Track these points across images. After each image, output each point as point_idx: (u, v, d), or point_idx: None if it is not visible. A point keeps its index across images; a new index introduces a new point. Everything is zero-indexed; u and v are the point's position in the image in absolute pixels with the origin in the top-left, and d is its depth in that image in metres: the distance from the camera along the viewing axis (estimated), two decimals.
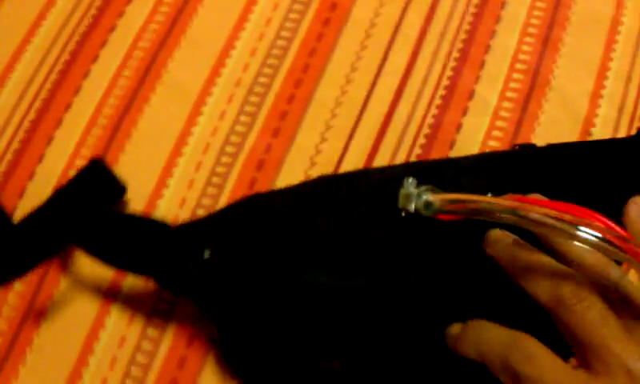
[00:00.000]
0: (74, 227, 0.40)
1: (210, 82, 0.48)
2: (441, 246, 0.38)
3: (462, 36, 0.49)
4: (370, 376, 0.38)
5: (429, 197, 0.35)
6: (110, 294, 0.44)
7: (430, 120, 0.47)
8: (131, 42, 0.50)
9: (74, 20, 0.50)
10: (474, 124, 0.46)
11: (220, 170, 0.46)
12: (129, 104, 0.48)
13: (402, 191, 0.36)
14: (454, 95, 0.47)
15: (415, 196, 0.35)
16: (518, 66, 0.48)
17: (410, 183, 0.36)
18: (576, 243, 0.29)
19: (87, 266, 0.44)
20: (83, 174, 0.44)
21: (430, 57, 0.48)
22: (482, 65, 0.48)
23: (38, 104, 0.48)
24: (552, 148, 0.40)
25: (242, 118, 0.47)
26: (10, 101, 0.48)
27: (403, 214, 0.36)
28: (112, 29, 0.50)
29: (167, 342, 0.43)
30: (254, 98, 0.48)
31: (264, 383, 0.40)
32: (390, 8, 0.50)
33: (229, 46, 0.49)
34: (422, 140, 0.46)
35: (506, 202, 0.32)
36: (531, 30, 0.49)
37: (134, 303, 0.43)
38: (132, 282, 0.44)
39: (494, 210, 0.32)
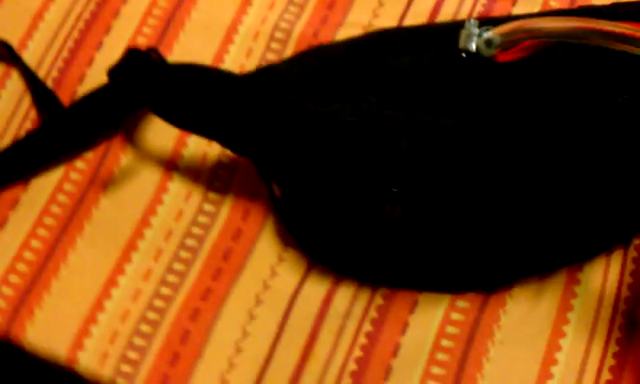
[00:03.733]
0: (141, 85, 0.40)
1: None
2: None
3: None
4: (431, 227, 0.38)
5: (489, 34, 0.35)
6: (169, 167, 0.44)
7: None
8: None
9: None
10: None
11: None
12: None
13: (463, 31, 0.36)
14: None
15: (476, 35, 0.35)
16: None
17: (472, 23, 0.35)
18: None
19: (147, 140, 0.45)
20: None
21: None
22: None
23: None
24: (614, 6, 0.40)
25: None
26: None
27: (464, 55, 0.35)
28: None
29: (223, 215, 0.43)
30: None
31: (322, 241, 0.40)
32: None
33: None
34: None
35: (570, 20, 0.31)
36: None
37: (191, 178, 0.44)
38: (190, 155, 0.44)
39: (558, 29, 0.32)
